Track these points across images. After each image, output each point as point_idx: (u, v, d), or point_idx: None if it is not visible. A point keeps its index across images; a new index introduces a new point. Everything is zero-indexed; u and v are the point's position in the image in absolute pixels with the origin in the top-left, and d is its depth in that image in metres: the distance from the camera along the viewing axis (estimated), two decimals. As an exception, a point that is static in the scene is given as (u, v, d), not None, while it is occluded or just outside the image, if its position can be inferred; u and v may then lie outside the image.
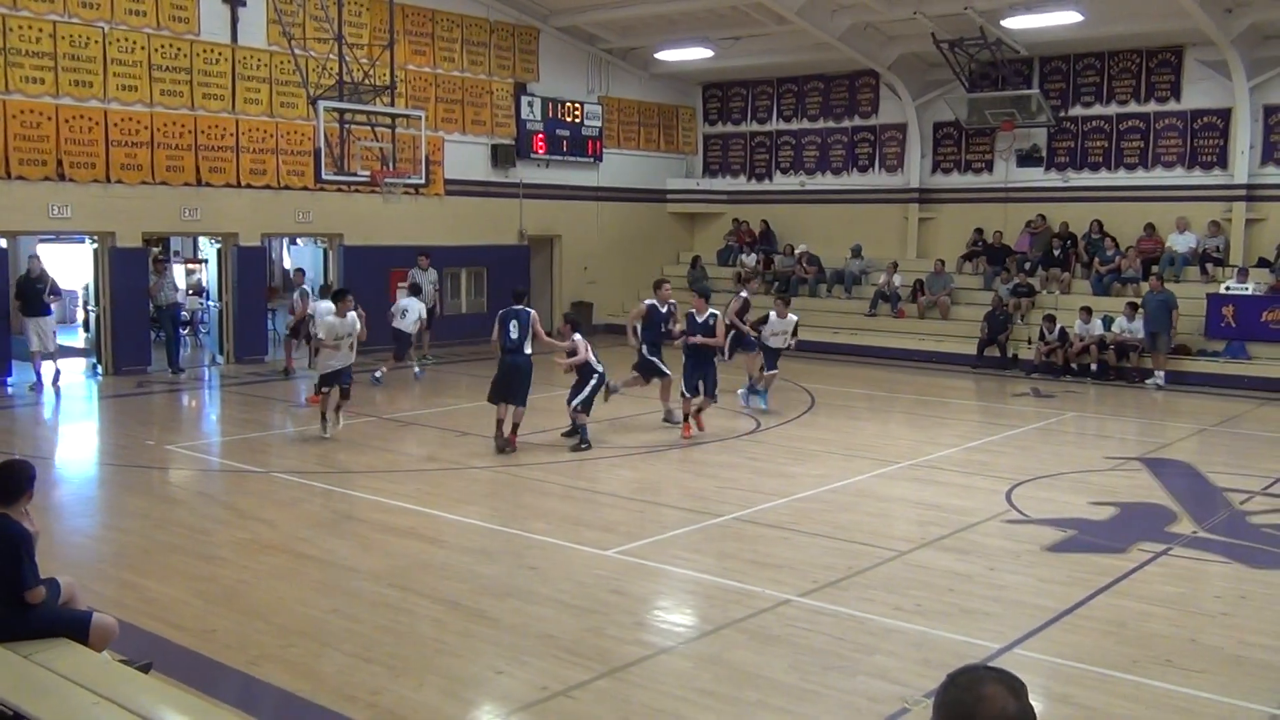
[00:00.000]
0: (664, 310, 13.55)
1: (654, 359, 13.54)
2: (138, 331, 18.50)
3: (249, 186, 19.20)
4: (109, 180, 17.51)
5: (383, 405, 15.39)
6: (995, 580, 7.86)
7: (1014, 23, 20.30)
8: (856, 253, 24.15)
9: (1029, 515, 9.65)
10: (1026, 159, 23.12)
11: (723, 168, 27.66)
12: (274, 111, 19.42)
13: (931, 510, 9.86)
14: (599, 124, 25.06)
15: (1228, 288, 19.07)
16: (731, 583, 7.75)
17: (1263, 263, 19.85)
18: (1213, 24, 18.96)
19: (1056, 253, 21.73)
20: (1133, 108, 21.82)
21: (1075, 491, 10.55)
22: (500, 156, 23.22)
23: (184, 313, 21.97)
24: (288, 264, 25.76)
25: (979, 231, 23.19)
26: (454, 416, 14.72)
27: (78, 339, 22.84)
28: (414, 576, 7.82)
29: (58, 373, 16.61)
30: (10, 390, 16.23)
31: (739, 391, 14.98)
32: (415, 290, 18.30)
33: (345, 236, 20.79)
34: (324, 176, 17.00)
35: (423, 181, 18.46)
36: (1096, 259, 21.22)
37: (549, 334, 13.19)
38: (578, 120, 24.58)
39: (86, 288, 21.10)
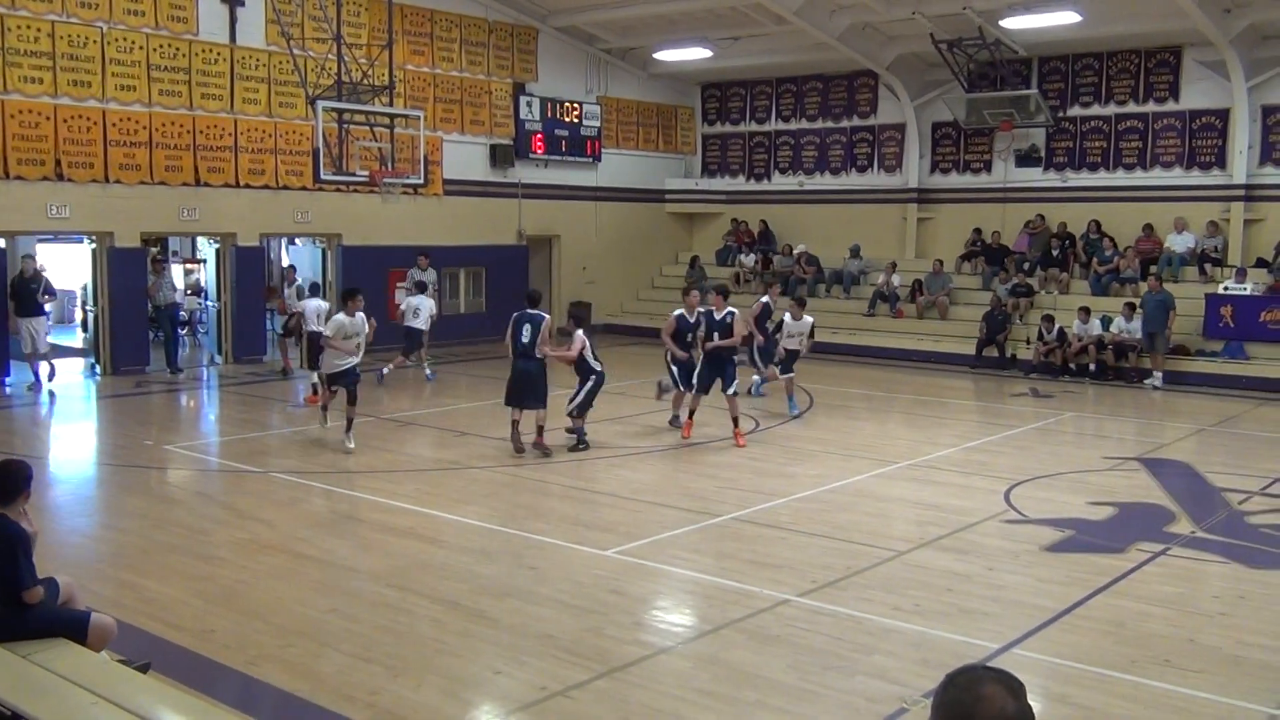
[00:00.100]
0: (691, 320, 13.13)
1: (674, 367, 13.28)
2: (136, 331, 18.48)
3: (247, 186, 19.19)
4: (107, 180, 17.50)
5: (382, 405, 15.37)
6: (994, 580, 7.86)
7: (1012, 23, 20.31)
8: (855, 253, 24.16)
9: (1027, 515, 9.65)
10: (1025, 159, 23.13)
11: (721, 168, 27.67)
12: (273, 111, 19.42)
13: (930, 510, 9.86)
14: (598, 124, 25.06)
15: (1226, 288, 19.09)
16: (730, 583, 7.75)
17: (1261, 263, 19.87)
18: (1211, 24, 18.98)
19: (1055, 253, 21.74)
20: (1131, 108, 21.84)
21: (1074, 491, 10.56)
22: (499, 156, 23.22)
23: (182, 313, 21.95)
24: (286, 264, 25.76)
25: (977, 231, 23.20)
26: (453, 416, 14.72)
27: (76, 339, 22.84)
28: (413, 576, 7.82)
29: (52, 373, 16.56)
30: (9, 390, 16.22)
31: (754, 379, 15.08)
32: (422, 288, 18.35)
33: (344, 236, 20.78)
34: (322, 176, 16.98)
35: (421, 181, 18.45)
36: (1095, 259, 21.23)
37: (555, 337, 13.01)
38: (576, 120, 24.57)
39: (85, 288, 21.09)
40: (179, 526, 9.18)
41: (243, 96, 19.02)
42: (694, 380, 12.90)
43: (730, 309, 13.05)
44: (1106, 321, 19.04)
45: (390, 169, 17.48)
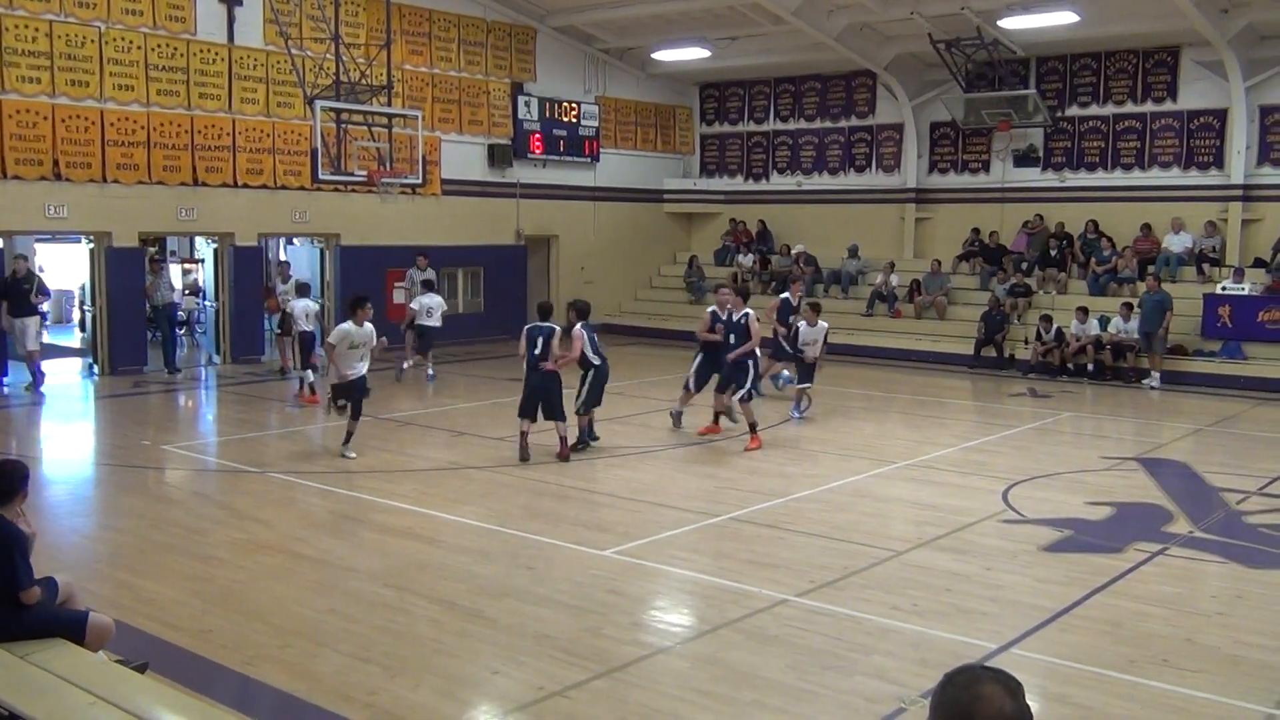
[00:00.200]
0: (723, 317, 12.99)
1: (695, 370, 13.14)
2: (134, 331, 18.48)
3: (245, 186, 19.18)
4: (105, 180, 17.49)
5: (380, 406, 15.35)
6: (992, 580, 7.86)
7: (1010, 23, 20.32)
8: (853, 253, 24.17)
9: (1026, 515, 9.65)
10: (1023, 159, 23.15)
11: (719, 168, 27.67)
12: (271, 111, 19.41)
13: (928, 510, 9.86)
14: (596, 124, 25.07)
15: (1224, 288, 19.10)
16: (728, 583, 7.75)
17: (1259, 263, 19.89)
18: (1209, 24, 18.99)
19: (1053, 253, 21.75)
20: (1129, 108, 21.85)
21: (1072, 491, 10.56)
22: (497, 156, 23.22)
23: (180, 313, 21.94)
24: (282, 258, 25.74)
25: (976, 231, 23.21)
26: (450, 417, 14.72)
27: (74, 339, 22.82)
28: (411, 576, 7.82)
29: (36, 375, 16.42)
30: (6, 390, 16.20)
31: (782, 373, 14.92)
32: (430, 286, 18.48)
33: (342, 236, 20.78)
34: (320, 176, 16.98)
35: (419, 181, 18.46)
36: (1093, 259, 21.24)
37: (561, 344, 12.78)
38: (574, 120, 24.57)
39: (83, 287, 21.08)
40: (177, 526, 9.18)
41: (241, 96, 19.01)
42: (691, 378, 12.88)
43: (746, 310, 12.83)
44: (1104, 321, 19.05)
45: (388, 169, 17.48)
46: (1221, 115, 20.76)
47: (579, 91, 24.94)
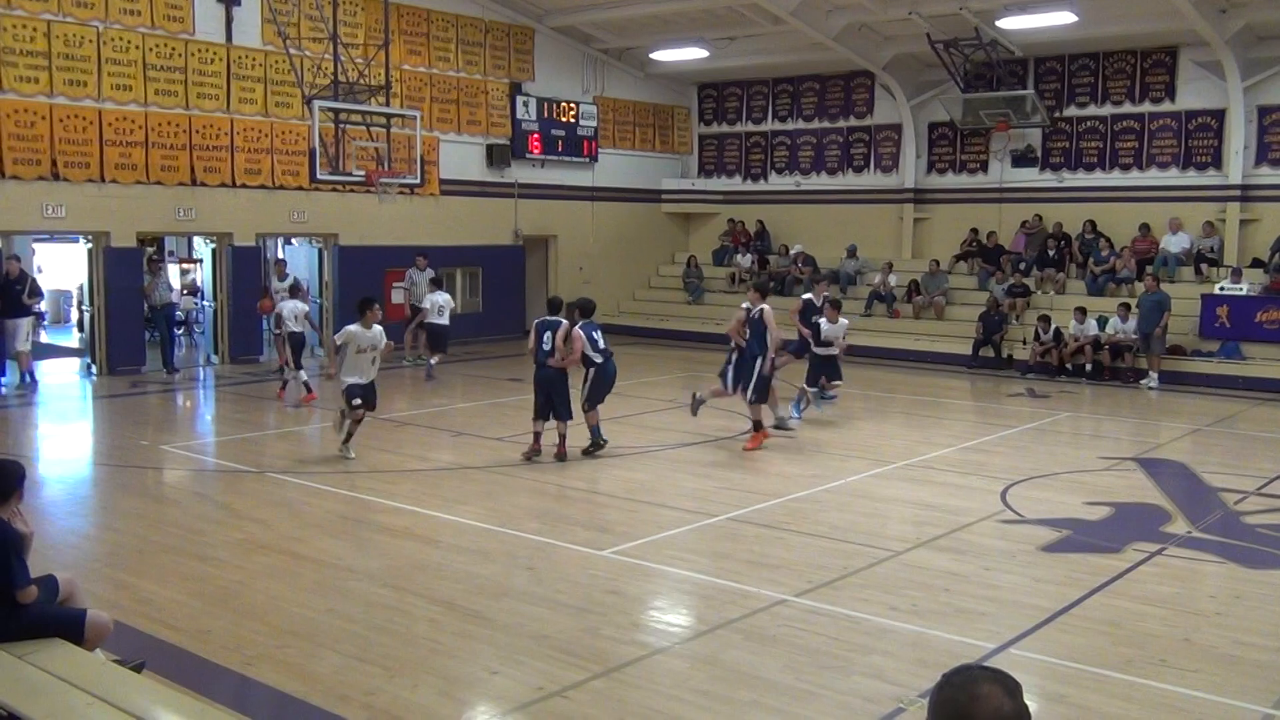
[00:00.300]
0: (754, 315, 12.67)
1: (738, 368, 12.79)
2: (132, 331, 18.47)
3: (244, 186, 19.18)
4: (103, 180, 17.49)
5: (379, 406, 15.32)
6: (990, 580, 7.87)
7: (1009, 23, 20.33)
8: (851, 253, 24.18)
9: (1024, 515, 9.66)
10: (1021, 159, 23.16)
11: (718, 168, 27.68)
12: (269, 111, 19.40)
13: (927, 510, 9.87)
14: (594, 124, 25.07)
15: (1222, 288, 19.12)
16: (727, 583, 7.75)
17: (1257, 263, 19.91)
18: (1207, 25, 19.01)
19: (1051, 253, 21.76)
20: (1127, 108, 21.87)
21: (1070, 491, 10.57)
22: (495, 156, 23.22)
23: (178, 313, 21.93)
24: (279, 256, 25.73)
25: (974, 231, 23.23)
26: (449, 417, 14.72)
27: (72, 339, 22.81)
28: (409, 577, 7.81)
29: (22, 377, 16.34)
30: (4, 390, 16.19)
31: (808, 401, 14.36)
32: (438, 283, 18.73)
33: (340, 236, 20.78)
34: (319, 176, 16.97)
35: (418, 181, 18.46)
36: (1091, 259, 21.26)
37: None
38: (573, 120, 24.58)
39: (81, 287, 21.05)
40: (175, 527, 9.18)
41: (239, 96, 19.01)
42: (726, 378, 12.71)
43: (761, 305, 12.52)
44: (1103, 322, 19.07)
45: (387, 169, 17.48)
46: (1219, 115, 20.78)
47: (577, 91, 24.94)
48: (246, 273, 19.56)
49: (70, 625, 5.33)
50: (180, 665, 6.14)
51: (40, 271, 27.40)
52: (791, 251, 25.05)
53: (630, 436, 13.20)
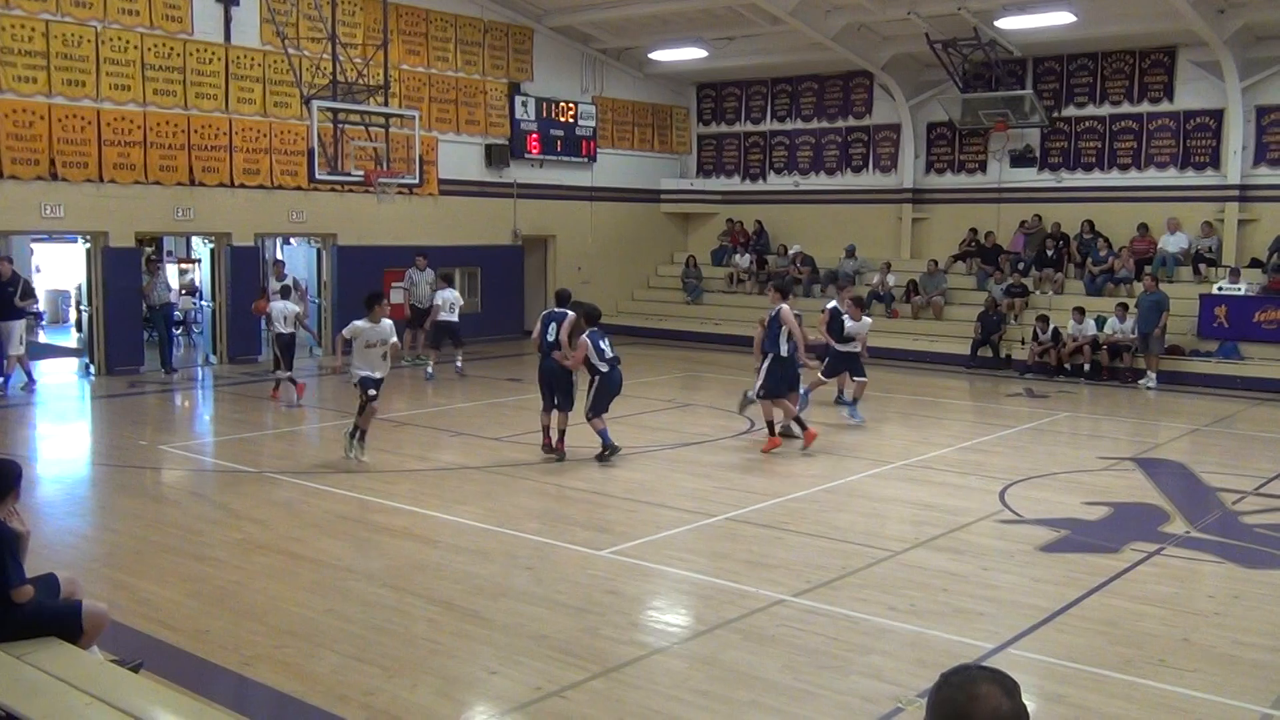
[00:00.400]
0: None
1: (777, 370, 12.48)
2: (131, 331, 18.47)
3: (242, 186, 19.17)
4: (102, 180, 17.48)
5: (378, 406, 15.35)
6: (989, 580, 7.87)
7: (1007, 23, 20.34)
8: (850, 253, 24.17)
9: (1022, 515, 9.66)
10: (1020, 159, 23.18)
11: (717, 168, 27.68)
12: (267, 111, 19.39)
13: (925, 510, 9.87)
14: (593, 124, 25.07)
15: (1220, 288, 19.13)
16: (726, 583, 7.75)
17: (1255, 263, 19.92)
18: (1205, 25, 19.02)
19: (1050, 253, 21.77)
20: (1125, 108, 21.88)
21: (1068, 491, 10.58)
22: (494, 156, 23.22)
23: (177, 313, 21.93)
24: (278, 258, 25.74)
25: (973, 231, 23.24)
26: (447, 416, 14.72)
27: (70, 339, 22.79)
28: (408, 577, 7.81)
29: (6, 379, 16.24)
30: (6, 391, 16.16)
31: (843, 410, 14.16)
32: (449, 280, 18.91)
33: (339, 236, 20.77)
34: (317, 176, 16.96)
35: (416, 181, 18.46)
36: (1089, 259, 21.27)
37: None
38: (572, 120, 24.58)
39: (79, 287, 21.05)
40: (173, 527, 9.17)
41: (237, 96, 19.00)
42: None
43: (778, 306, 12.35)
44: (1101, 322, 19.08)
45: (385, 169, 17.48)
46: (1218, 115, 20.79)
47: (576, 91, 24.94)
48: (245, 273, 19.56)
49: (67, 617, 5.33)
50: (178, 665, 6.14)
51: (38, 271, 27.43)
52: (790, 251, 25.05)
53: (629, 436, 13.18)
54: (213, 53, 18.69)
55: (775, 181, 26.61)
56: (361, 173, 17.23)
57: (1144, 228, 21.18)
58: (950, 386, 18.50)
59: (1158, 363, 18.32)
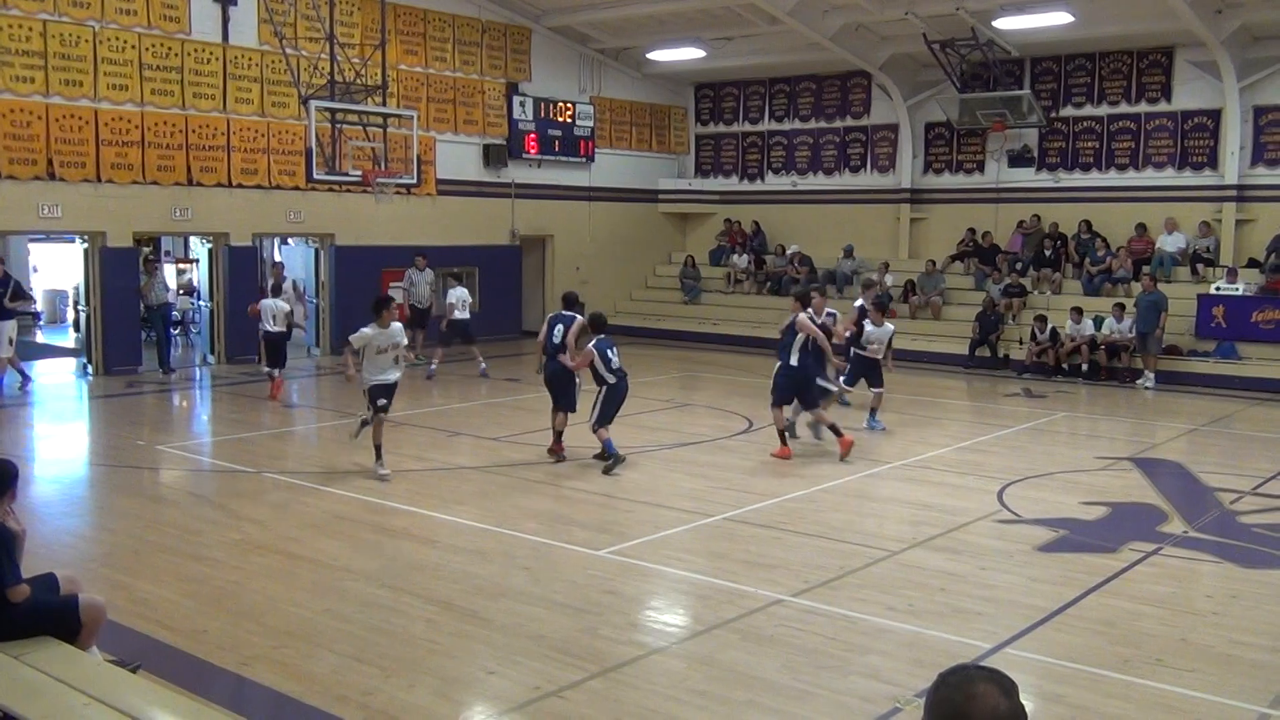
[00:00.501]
0: (819, 321, 12.50)
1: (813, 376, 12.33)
2: (128, 331, 18.45)
3: (240, 186, 19.16)
4: (99, 180, 17.46)
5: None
6: (987, 580, 7.88)
7: (1005, 23, 20.35)
8: (848, 253, 24.18)
9: (1020, 515, 9.67)
10: (1018, 159, 23.18)
11: (715, 168, 27.68)
12: (265, 111, 19.38)
13: (923, 510, 9.88)
14: (591, 124, 25.06)
15: (1218, 288, 19.15)
16: (724, 583, 7.76)
17: (1252, 263, 19.93)
18: (1203, 25, 19.03)
19: (1047, 253, 21.78)
20: (1123, 108, 21.89)
21: (1066, 491, 10.58)
22: (492, 156, 23.21)
23: (175, 313, 21.91)
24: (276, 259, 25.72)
25: (971, 231, 23.25)
26: (445, 417, 14.71)
27: (68, 339, 22.77)
28: (406, 577, 7.81)
29: (6, 378, 16.21)
30: (4, 391, 16.14)
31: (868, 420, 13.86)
32: (458, 279, 19.00)
33: (337, 236, 20.76)
34: (315, 176, 16.95)
35: (414, 181, 18.46)
36: (1087, 259, 21.28)
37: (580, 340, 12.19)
38: (570, 120, 24.57)
39: (77, 288, 21.04)
40: (171, 527, 9.16)
41: (235, 96, 18.99)
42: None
43: (798, 314, 12.07)
44: (1099, 322, 19.09)
45: (383, 169, 17.47)
46: (1215, 116, 20.80)
47: (574, 91, 24.93)
48: (243, 273, 19.54)
49: (65, 613, 5.33)
50: (176, 666, 6.14)
51: (36, 271, 27.43)
52: (788, 252, 25.07)
53: (628, 437, 13.17)
54: (210, 53, 18.68)
55: (773, 181, 26.61)
56: (359, 173, 17.21)
57: (1142, 228, 21.19)
58: (948, 386, 18.51)
59: (1156, 363, 18.34)
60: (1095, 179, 22.25)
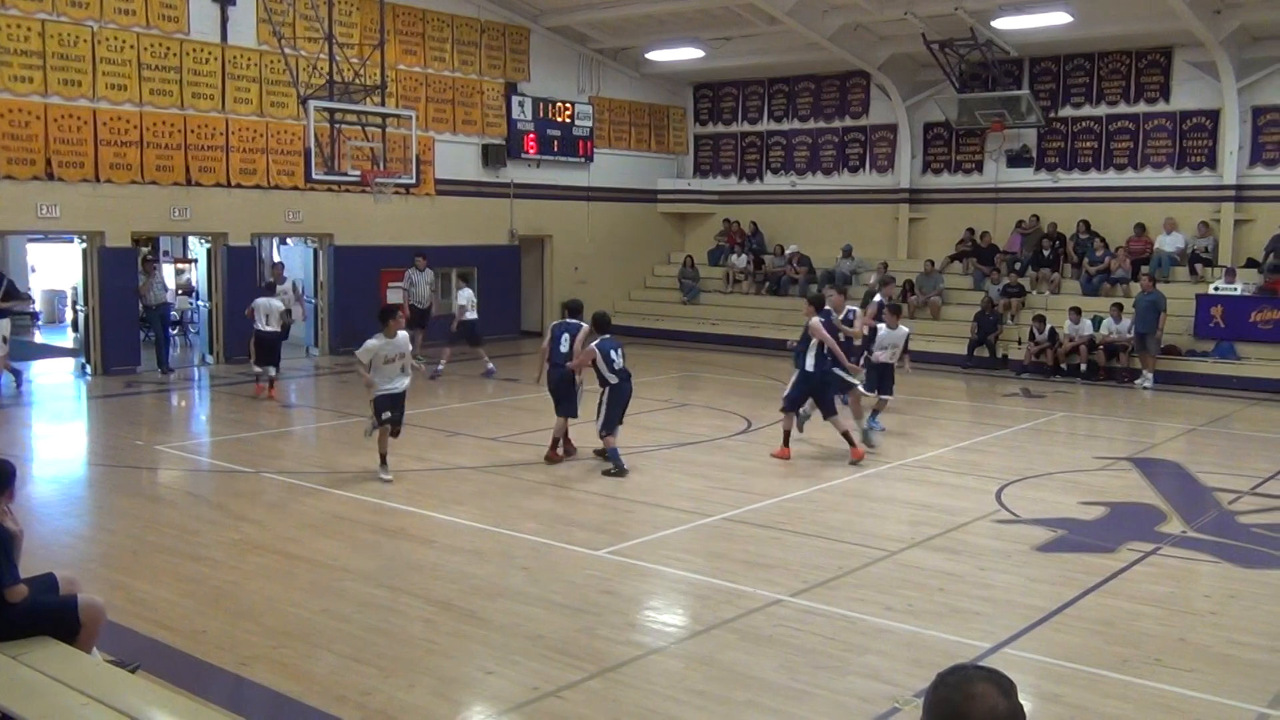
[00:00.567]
0: (839, 317, 12.40)
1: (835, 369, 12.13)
2: (127, 331, 18.44)
3: (239, 186, 19.15)
4: (98, 180, 17.45)
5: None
6: (985, 580, 7.88)
7: (1004, 23, 20.35)
8: (847, 253, 24.18)
9: (1019, 515, 9.67)
10: (1016, 159, 23.19)
11: (714, 168, 27.67)
12: (264, 111, 19.37)
13: (922, 510, 9.88)
14: (590, 124, 25.05)
15: (1216, 288, 19.15)
16: (722, 583, 7.76)
17: (1251, 263, 19.93)
18: (1201, 25, 19.04)
19: (1046, 253, 21.79)
20: (1122, 108, 21.89)
21: (1065, 491, 10.59)
22: (491, 156, 23.20)
23: (173, 313, 21.90)
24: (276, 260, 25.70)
25: (970, 232, 23.26)
26: (444, 417, 14.71)
27: (67, 339, 22.75)
28: (404, 577, 7.81)
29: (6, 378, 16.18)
30: (3, 391, 16.14)
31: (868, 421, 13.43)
32: (466, 280, 19.11)
33: (335, 236, 20.75)
34: (314, 176, 16.95)
35: (413, 181, 18.45)
36: (1086, 259, 21.29)
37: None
38: (568, 120, 24.56)
39: (75, 288, 21.02)
40: (170, 527, 9.16)
41: (234, 96, 18.98)
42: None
43: (811, 318, 11.95)
44: (1097, 322, 19.10)
45: (382, 169, 17.47)
46: (1214, 116, 20.81)
47: (573, 91, 24.93)
48: (241, 273, 19.52)
49: (64, 613, 5.32)
50: (175, 666, 6.13)
51: (34, 271, 27.41)
52: (787, 251, 25.07)
53: (626, 437, 13.14)
54: (209, 52, 18.67)
55: (772, 181, 26.61)
56: (358, 173, 17.21)
57: (1140, 228, 21.20)
58: (947, 386, 18.51)
59: (1154, 363, 18.34)
60: (1094, 179, 22.25)
